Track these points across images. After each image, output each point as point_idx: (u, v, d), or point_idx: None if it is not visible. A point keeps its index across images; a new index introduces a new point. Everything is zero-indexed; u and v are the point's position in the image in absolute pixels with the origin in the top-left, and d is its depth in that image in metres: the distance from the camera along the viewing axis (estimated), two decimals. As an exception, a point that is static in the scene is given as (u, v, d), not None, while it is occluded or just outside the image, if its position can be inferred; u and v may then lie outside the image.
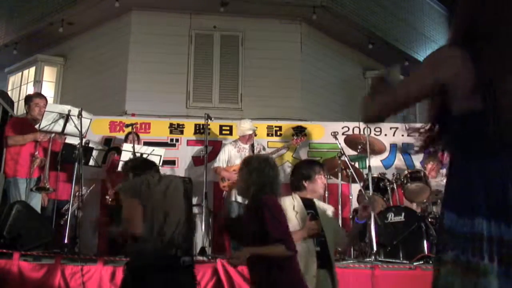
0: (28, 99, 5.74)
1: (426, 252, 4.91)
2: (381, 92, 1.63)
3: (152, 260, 2.78)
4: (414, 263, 4.62)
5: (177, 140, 6.97)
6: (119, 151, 5.89)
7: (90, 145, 5.81)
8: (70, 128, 5.12)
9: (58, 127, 5.11)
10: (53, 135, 5.28)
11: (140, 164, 3.30)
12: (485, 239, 1.30)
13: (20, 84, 9.84)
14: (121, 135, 6.59)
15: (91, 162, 5.72)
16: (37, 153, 5.35)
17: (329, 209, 3.63)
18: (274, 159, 3.33)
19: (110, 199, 5.72)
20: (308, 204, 3.48)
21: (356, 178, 5.42)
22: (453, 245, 1.36)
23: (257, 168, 2.90)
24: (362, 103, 1.66)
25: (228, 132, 7.05)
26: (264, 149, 6.34)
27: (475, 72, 1.40)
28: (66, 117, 5.10)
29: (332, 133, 6.07)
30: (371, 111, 1.66)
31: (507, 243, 1.28)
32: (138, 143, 5.89)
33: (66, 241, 4.74)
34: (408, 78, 1.63)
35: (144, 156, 5.60)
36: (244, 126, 6.22)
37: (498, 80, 1.37)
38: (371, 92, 1.69)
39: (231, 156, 6.10)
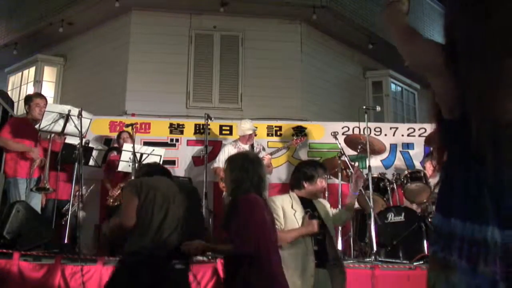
0: (28, 99, 5.73)
1: (426, 252, 4.90)
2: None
3: (145, 258, 2.77)
4: (414, 263, 4.62)
5: (177, 140, 6.97)
6: (119, 151, 5.90)
7: (90, 145, 5.80)
8: (70, 128, 5.11)
9: (58, 127, 5.10)
10: (52, 135, 5.28)
11: (153, 170, 3.28)
12: (457, 238, 1.39)
13: (20, 84, 9.85)
14: (121, 135, 6.58)
15: (91, 162, 5.72)
16: (37, 153, 5.35)
17: (327, 204, 3.64)
18: (255, 155, 3.30)
19: (111, 200, 5.71)
20: (306, 202, 3.48)
21: (356, 178, 5.41)
22: (435, 243, 1.46)
23: (237, 165, 2.89)
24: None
25: (228, 132, 7.05)
26: (264, 149, 6.34)
27: (456, 81, 1.45)
28: (66, 117, 5.10)
29: (332, 133, 6.07)
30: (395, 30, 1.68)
31: (478, 242, 1.35)
32: (132, 142, 5.87)
33: (66, 241, 4.73)
34: (412, 41, 1.62)
35: (144, 156, 5.61)
36: (245, 126, 6.22)
37: (478, 91, 1.42)
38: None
39: (231, 156, 6.09)
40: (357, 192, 3.85)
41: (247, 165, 2.86)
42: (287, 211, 3.35)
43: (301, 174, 3.54)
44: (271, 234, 2.85)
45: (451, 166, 1.51)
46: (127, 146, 5.63)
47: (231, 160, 3.02)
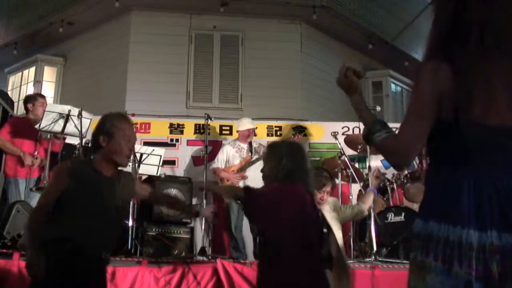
0: (32, 98, 5.72)
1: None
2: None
3: None
4: (414, 263, 4.61)
5: (177, 140, 6.97)
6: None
7: (90, 145, 5.78)
8: (70, 128, 5.11)
9: (58, 127, 5.10)
10: (51, 135, 5.28)
11: None
12: (434, 240, 1.41)
13: (20, 84, 9.85)
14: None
15: (91, 162, 5.71)
16: (37, 153, 5.35)
17: (330, 203, 3.57)
18: (298, 144, 2.95)
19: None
20: None
21: (356, 178, 5.42)
22: (415, 247, 1.48)
23: (289, 154, 2.63)
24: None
25: (228, 132, 7.05)
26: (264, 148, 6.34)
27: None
28: (66, 117, 5.10)
29: (332, 133, 6.06)
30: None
31: (452, 243, 1.37)
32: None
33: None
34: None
35: (144, 156, 5.60)
36: (244, 121, 6.24)
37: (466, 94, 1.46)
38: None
39: (229, 156, 6.09)
40: (376, 188, 3.91)
41: (295, 153, 2.65)
42: None
43: None
44: (287, 234, 2.44)
45: (431, 170, 1.56)
46: (127, 146, 5.63)
47: (272, 147, 2.80)
